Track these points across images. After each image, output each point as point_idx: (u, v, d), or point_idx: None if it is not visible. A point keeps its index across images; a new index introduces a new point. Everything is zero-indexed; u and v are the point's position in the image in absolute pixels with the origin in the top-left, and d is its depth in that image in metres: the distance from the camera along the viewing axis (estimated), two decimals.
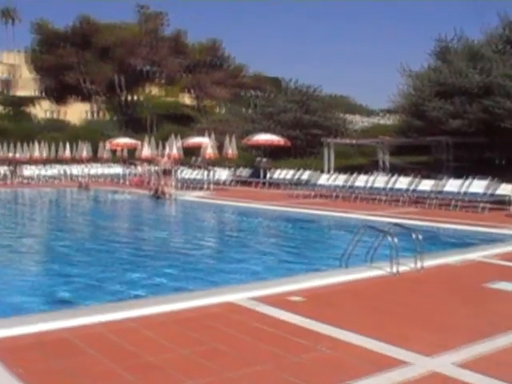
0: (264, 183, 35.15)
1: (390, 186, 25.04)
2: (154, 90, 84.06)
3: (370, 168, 32.17)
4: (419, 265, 10.62)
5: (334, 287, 9.46)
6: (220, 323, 7.31)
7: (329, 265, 11.77)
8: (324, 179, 28.95)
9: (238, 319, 7.52)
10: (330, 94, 60.94)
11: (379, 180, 26.17)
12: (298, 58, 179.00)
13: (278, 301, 8.39)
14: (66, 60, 69.05)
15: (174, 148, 37.07)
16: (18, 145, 45.94)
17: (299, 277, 10.53)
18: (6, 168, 43.34)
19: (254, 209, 23.70)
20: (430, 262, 11.00)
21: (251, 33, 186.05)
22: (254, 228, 19.65)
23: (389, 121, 50.54)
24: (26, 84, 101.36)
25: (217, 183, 34.38)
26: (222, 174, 36.12)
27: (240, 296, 8.64)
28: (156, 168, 32.65)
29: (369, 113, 67.65)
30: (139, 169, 39.61)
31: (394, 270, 10.28)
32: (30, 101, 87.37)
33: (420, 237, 10.49)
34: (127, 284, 10.63)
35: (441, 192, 22.86)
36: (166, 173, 29.30)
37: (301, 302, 8.41)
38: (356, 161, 38.85)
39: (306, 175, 32.50)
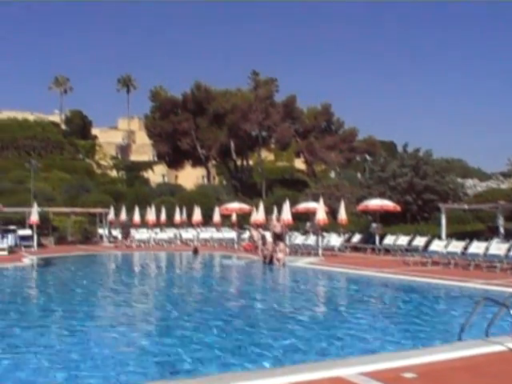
0: (376, 249, 34.46)
1: (508, 253, 23.92)
2: (266, 155, 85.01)
3: (486, 234, 30.97)
4: None
5: (449, 363, 8.77)
6: None
7: (444, 339, 11.13)
8: (438, 245, 28.00)
9: None
10: (444, 157, 59.89)
11: (497, 247, 24.99)
12: (411, 120, 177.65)
13: (389, 377, 7.88)
14: (181, 126, 71.01)
15: (286, 213, 37.06)
16: (133, 208, 47.27)
17: (412, 351, 9.87)
18: (119, 231, 44.55)
19: (366, 276, 23.04)
20: None
21: (362, 96, 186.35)
22: (365, 297, 19.03)
23: (505, 184, 48.93)
24: (141, 149, 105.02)
25: (328, 249, 33.96)
26: (334, 239, 35.62)
27: (350, 371, 8.19)
28: (268, 233, 32.58)
29: (484, 176, 65.87)
30: (252, 233, 39.69)
31: None
32: (145, 165, 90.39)
33: None
34: (232, 354, 10.36)
35: None
36: (278, 238, 29.20)
37: (414, 379, 7.89)
38: (471, 226, 37.55)
39: (419, 241, 31.59)
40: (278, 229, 29.47)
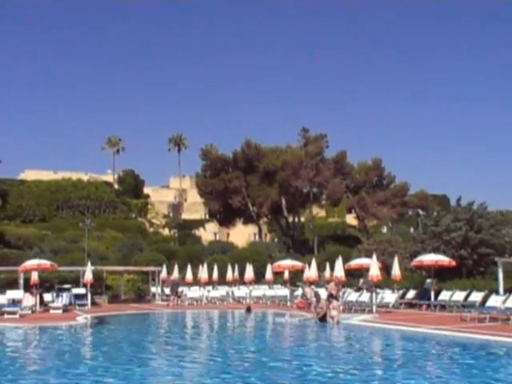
0: (431, 305, 33.74)
1: None
2: (318, 211, 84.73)
3: None
4: None
5: None
6: None
7: None
8: (496, 301, 27.31)
9: None
10: (499, 209, 58.83)
11: None
12: (463, 173, 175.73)
13: None
14: (232, 184, 71.41)
15: (339, 270, 36.71)
16: (185, 266, 47.40)
17: None
18: (171, 289, 44.63)
19: (422, 333, 22.48)
20: None
21: (413, 150, 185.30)
22: (422, 355, 18.52)
23: None
24: (193, 207, 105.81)
25: (382, 306, 33.39)
26: (388, 296, 35.04)
27: None
28: (322, 289, 32.23)
29: None
30: (304, 291, 39.30)
31: None
32: (197, 223, 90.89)
33: None
34: None
35: None
36: (332, 296, 28.86)
37: None
38: None
39: (475, 296, 30.86)
40: (333, 291, 29.07)
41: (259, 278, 47.18)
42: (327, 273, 42.03)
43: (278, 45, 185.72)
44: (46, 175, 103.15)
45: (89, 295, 39.46)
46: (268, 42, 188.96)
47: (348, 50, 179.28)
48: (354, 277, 42.10)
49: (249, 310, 36.15)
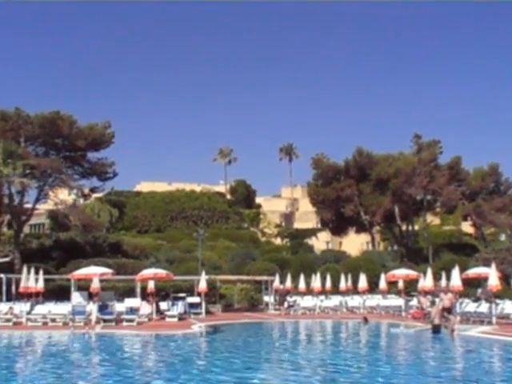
0: None
1: None
2: (432, 219, 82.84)
3: None
4: None
5: None
6: None
7: None
8: None
9: None
10: None
11: None
12: None
13: None
14: (343, 192, 70.86)
15: (455, 279, 35.64)
16: (298, 275, 47.28)
17: None
18: (278, 299, 44.67)
19: None
20: None
21: None
22: None
23: None
24: (305, 216, 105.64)
25: (502, 317, 32.11)
26: (508, 306, 33.61)
27: None
28: (437, 299, 31.31)
29: None
30: (420, 301, 38.39)
31: None
32: (309, 233, 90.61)
33: None
34: None
35: None
36: (447, 311, 27.95)
37: None
38: None
39: None
40: (446, 302, 28.21)
41: (373, 288, 46.54)
42: (443, 282, 40.92)
43: (389, 51, 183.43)
44: (161, 187, 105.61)
45: (203, 304, 40.00)
46: (379, 48, 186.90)
47: (462, 55, 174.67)
48: (472, 287, 40.81)
49: (365, 320, 35.64)
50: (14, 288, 40.06)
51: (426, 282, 39.13)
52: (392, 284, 45.84)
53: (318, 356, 21.90)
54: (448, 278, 38.52)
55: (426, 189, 68.03)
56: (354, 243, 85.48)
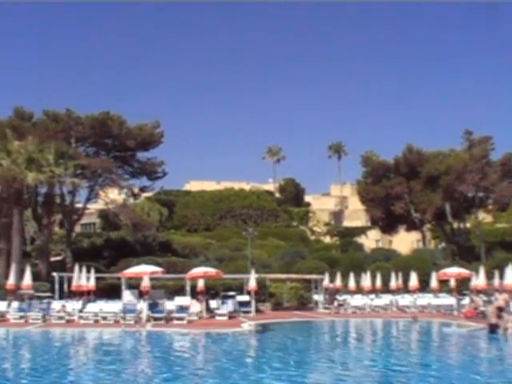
0: None
1: None
2: (484, 217, 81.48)
3: None
4: None
5: None
6: None
7: None
8: None
9: None
10: None
11: None
12: None
13: None
14: (393, 190, 70.12)
15: (510, 278, 34.99)
16: (348, 274, 46.95)
17: None
18: (327, 297, 44.42)
19: None
20: None
21: None
22: None
23: None
24: (354, 215, 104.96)
25: None
26: None
27: None
28: (494, 300, 30.69)
29: None
30: (473, 300, 37.76)
31: None
32: (359, 231, 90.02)
33: None
34: None
35: None
36: (501, 309, 27.35)
37: None
38: None
39: None
40: (501, 302, 27.64)
41: (424, 286, 45.96)
42: (496, 281, 40.21)
43: (440, 47, 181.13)
44: (210, 185, 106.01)
45: (253, 302, 39.96)
46: (430, 43, 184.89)
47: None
48: None
49: (414, 318, 35.23)
50: (66, 286, 40.64)
51: (479, 280, 38.50)
52: (443, 283, 45.23)
53: (368, 356, 21.67)
54: (501, 277, 37.86)
55: (477, 186, 66.92)
56: (405, 241, 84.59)
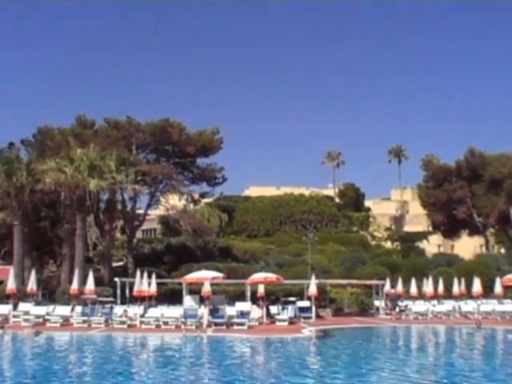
0: None
1: None
2: None
3: None
4: None
5: None
6: None
7: None
8: None
9: None
10: None
11: None
12: None
13: None
14: (455, 194, 69.23)
15: None
16: (409, 279, 46.40)
17: None
18: (389, 303, 43.98)
19: None
20: None
21: None
22: None
23: None
24: (415, 219, 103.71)
25: None
26: None
27: None
28: None
29: None
30: None
31: None
32: (420, 236, 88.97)
33: None
34: None
35: None
36: None
37: None
38: None
39: None
40: None
41: (487, 292, 45.07)
42: None
43: (500, 45, 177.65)
44: (269, 191, 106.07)
45: (313, 308, 39.79)
46: (489, 43, 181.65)
47: None
48: None
49: (478, 324, 34.57)
50: (127, 291, 41.15)
51: None
52: (508, 288, 44.28)
53: (432, 362, 21.36)
54: None
55: None
56: (467, 246, 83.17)
